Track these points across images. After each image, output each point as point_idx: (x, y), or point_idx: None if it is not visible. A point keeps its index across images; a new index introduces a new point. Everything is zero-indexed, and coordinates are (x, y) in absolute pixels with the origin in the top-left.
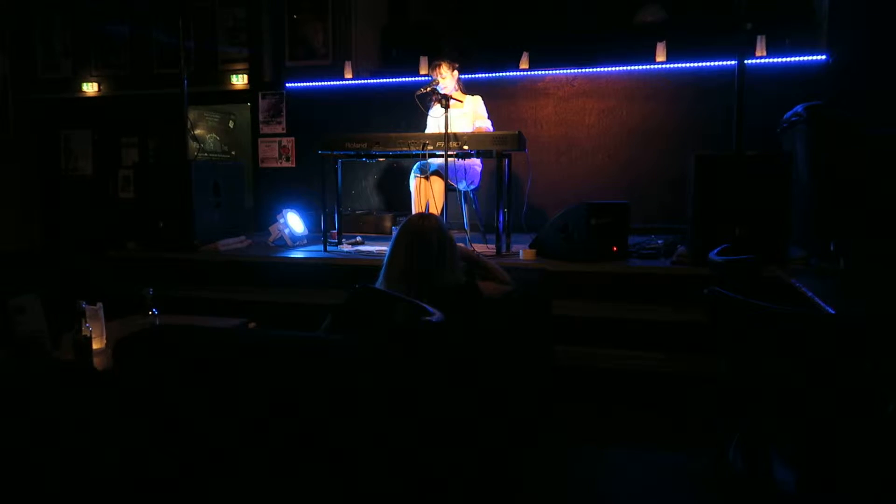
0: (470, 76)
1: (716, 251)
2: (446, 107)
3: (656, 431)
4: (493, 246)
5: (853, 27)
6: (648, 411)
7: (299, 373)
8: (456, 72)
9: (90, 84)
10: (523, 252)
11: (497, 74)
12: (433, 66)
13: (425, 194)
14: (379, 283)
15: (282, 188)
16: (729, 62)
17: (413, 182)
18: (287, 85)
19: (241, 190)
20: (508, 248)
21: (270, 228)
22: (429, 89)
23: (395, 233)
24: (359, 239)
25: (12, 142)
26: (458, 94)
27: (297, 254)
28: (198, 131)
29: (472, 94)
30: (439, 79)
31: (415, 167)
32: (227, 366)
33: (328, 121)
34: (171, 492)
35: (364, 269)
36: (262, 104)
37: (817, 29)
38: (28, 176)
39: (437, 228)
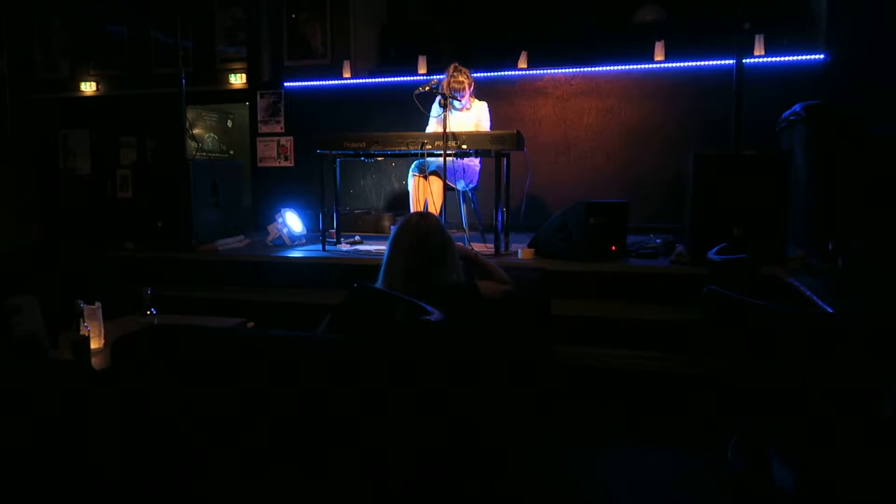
0: None
1: (714, 250)
2: (445, 106)
3: (656, 431)
4: (492, 245)
5: (851, 26)
6: (648, 411)
7: (298, 373)
8: (473, 84)
9: (88, 84)
10: (522, 251)
11: (496, 74)
12: (458, 81)
13: (424, 193)
14: (379, 283)
15: (280, 187)
16: (727, 61)
17: (411, 181)
18: (285, 84)
19: (239, 189)
20: (507, 247)
21: (269, 228)
22: (427, 88)
23: (393, 231)
24: (357, 238)
25: (11, 141)
26: (470, 102)
27: (296, 253)
28: (196, 131)
29: (479, 100)
30: (457, 95)
31: (412, 166)
32: (226, 366)
33: (327, 120)
34: (170, 492)
35: (363, 268)
36: (261, 103)
37: (816, 28)
38: (26, 175)
39: (439, 227)
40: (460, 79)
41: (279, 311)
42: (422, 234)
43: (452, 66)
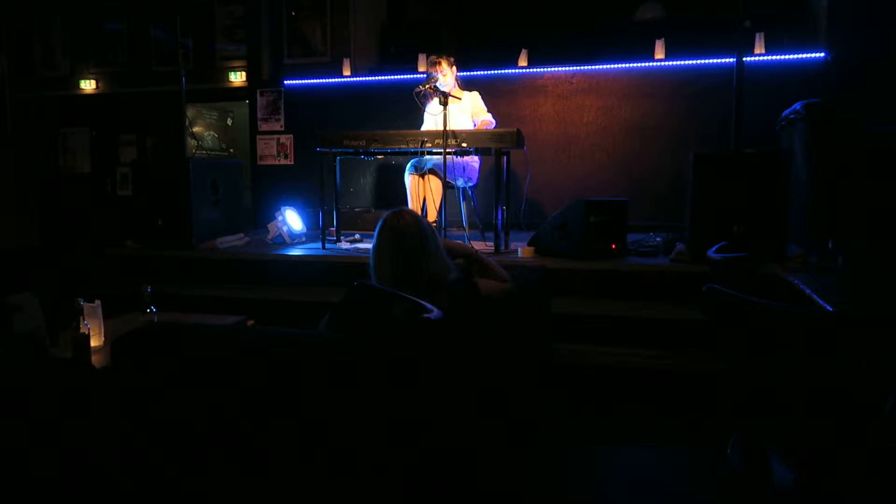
0: (469, 73)
1: (714, 249)
2: (445, 104)
3: (656, 430)
4: (492, 244)
5: (852, 24)
6: (648, 410)
7: (298, 371)
8: (454, 67)
9: (88, 81)
10: (522, 250)
11: (496, 72)
12: (432, 63)
13: (422, 192)
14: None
15: (280, 186)
16: (728, 60)
17: (408, 180)
18: (285, 82)
19: (239, 187)
20: (507, 245)
21: (269, 226)
22: (427, 87)
23: (376, 231)
24: (357, 236)
25: (10, 140)
26: (456, 91)
27: (296, 251)
28: (196, 129)
29: (470, 90)
30: (440, 76)
31: (409, 164)
32: (226, 364)
33: (327, 118)
34: (169, 490)
35: (362, 266)
36: (261, 101)
37: (816, 26)
38: (26, 174)
39: (414, 223)
40: (436, 59)
41: (279, 310)
42: (397, 233)
43: (429, 60)
